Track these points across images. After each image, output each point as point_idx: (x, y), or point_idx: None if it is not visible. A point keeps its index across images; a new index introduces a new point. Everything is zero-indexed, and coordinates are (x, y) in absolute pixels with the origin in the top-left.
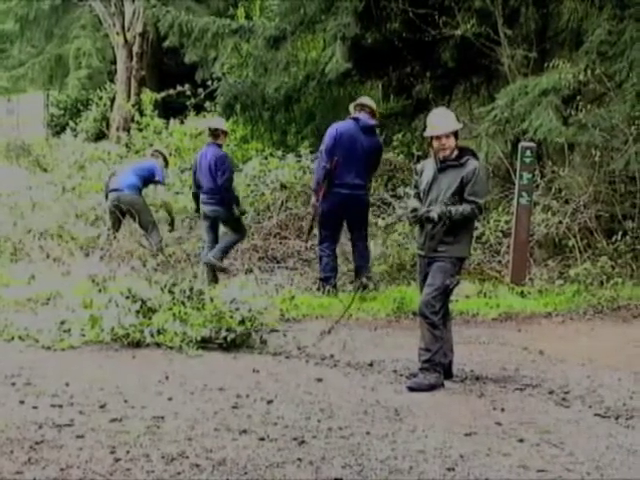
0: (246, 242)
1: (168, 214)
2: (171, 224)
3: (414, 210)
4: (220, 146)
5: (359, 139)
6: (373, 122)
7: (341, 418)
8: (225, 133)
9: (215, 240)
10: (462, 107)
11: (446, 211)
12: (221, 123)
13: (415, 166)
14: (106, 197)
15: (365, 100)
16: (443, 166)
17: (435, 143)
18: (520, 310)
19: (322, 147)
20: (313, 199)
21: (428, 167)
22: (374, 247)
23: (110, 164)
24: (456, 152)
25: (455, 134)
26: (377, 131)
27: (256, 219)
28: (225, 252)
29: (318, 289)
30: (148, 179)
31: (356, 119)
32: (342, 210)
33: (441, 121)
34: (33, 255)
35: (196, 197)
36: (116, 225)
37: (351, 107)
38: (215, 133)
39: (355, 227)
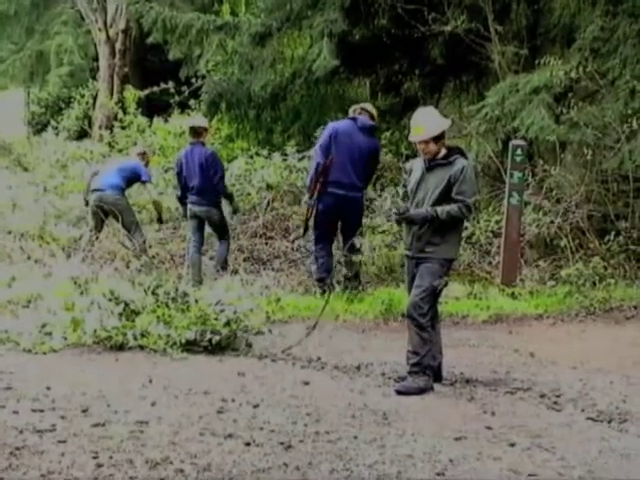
0: (231, 243)
1: (158, 212)
2: (159, 221)
3: (397, 212)
4: (204, 144)
5: (356, 138)
6: (372, 122)
7: (328, 422)
8: (207, 130)
9: (201, 241)
10: (451, 105)
11: (432, 211)
12: (204, 121)
13: (404, 165)
14: (86, 203)
15: (366, 105)
16: (431, 165)
17: (418, 146)
18: (511, 312)
19: (317, 144)
20: (306, 197)
21: (417, 166)
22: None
23: (92, 163)
24: (444, 151)
25: (440, 135)
26: (375, 133)
27: (242, 219)
28: (225, 264)
29: (322, 289)
30: (132, 179)
31: (354, 119)
32: (337, 211)
33: (422, 124)
34: (14, 256)
35: (182, 200)
36: (98, 226)
37: (351, 110)
38: (199, 131)
39: (349, 230)
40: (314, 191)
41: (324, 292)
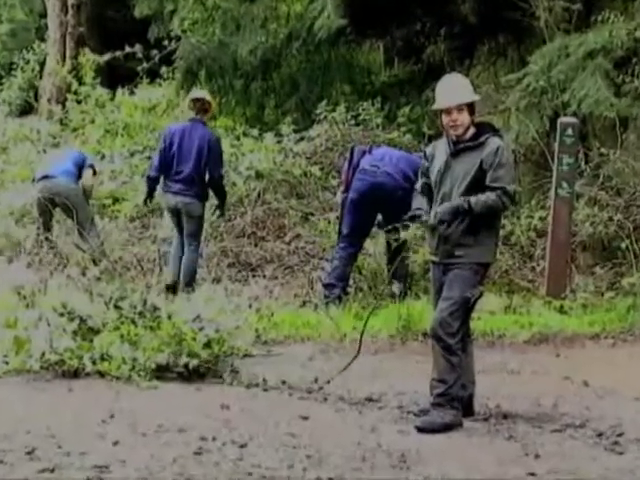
0: (213, 244)
1: (86, 196)
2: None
3: (418, 217)
4: (205, 124)
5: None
6: None
7: (332, 466)
8: (211, 106)
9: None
10: (486, 74)
11: (464, 203)
12: (205, 94)
13: (424, 149)
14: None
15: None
16: (457, 149)
17: (445, 118)
18: (559, 330)
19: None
20: (339, 194)
21: (440, 150)
22: (375, 249)
23: (40, 145)
24: (472, 130)
25: (471, 108)
26: None
27: (226, 216)
28: (195, 275)
29: (327, 299)
30: (81, 167)
31: None
32: (373, 203)
33: (452, 90)
34: None
35: (152, 182)
36: (47, 223)
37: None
38: (204, 106)
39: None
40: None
41: (328, 303)
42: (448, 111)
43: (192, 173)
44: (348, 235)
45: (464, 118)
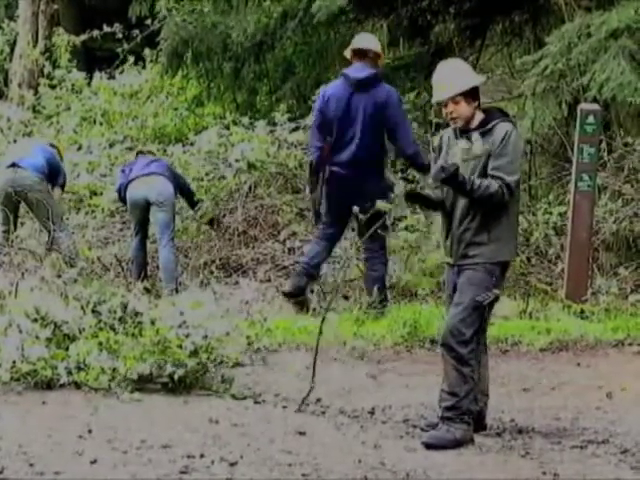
0: (203, 245)
1: None
2: None
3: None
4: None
5: (352, 101)
6: (367, 73)
7: None
8: None
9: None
10: (499, 56)
11: (466, 181)
12: None
13: (432, 139)
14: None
15: (362, 43)
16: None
17: (443, 110)
18: (579, 337)
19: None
20: (307, 190)
21: (447, 140)
22: None
23: (10, 135)
24: (480, 116)
25: (473, 94)
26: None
27: (214, 212)
28: (176, 272)
29: (292, 287)
30: (53, 169)
31: (345, 75)
32: (344, 198)
33: (444, 80)
34: None
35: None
36: (15, 218)
37: (347, 53)
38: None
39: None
40: (318, 184)
41: (293, 295)
42: (445, 103)
43: (154, 158)
44: (331, 222)
45: (461, 109)
